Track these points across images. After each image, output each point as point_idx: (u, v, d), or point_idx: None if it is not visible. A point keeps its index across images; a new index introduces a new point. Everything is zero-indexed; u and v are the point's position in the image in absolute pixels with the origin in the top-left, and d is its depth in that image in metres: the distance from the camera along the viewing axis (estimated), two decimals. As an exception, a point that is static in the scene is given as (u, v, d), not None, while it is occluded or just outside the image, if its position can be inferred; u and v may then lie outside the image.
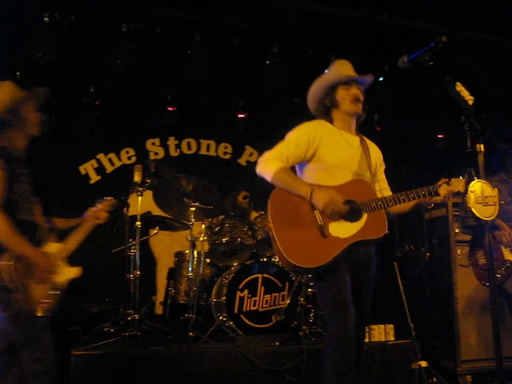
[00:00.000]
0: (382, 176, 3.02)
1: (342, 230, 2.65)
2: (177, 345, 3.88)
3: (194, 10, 4.98)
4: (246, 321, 4.24)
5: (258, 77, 5.44)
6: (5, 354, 2.65)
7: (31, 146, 2.91)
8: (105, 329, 4.25)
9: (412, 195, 2.72)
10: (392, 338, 4.32)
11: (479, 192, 2.47)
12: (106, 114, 6.02)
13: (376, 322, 4.32)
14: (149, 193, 4.63)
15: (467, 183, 2.57)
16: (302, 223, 2.67)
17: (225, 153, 6.78)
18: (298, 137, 2.80)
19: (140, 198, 4.41)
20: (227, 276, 4.49)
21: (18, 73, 5.31)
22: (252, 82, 5.75)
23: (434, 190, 2.73)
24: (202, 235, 4.68)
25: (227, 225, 4.87)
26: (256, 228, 4.83)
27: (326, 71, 3.05)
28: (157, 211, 4.92)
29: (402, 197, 2.72)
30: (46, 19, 4.80)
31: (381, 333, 4.31)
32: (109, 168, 6.35)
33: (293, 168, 2.87)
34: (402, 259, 5.04)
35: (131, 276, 4.35)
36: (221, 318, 4.31)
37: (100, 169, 6.31)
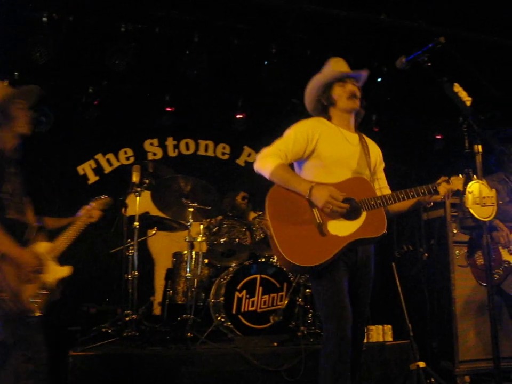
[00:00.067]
0: (381, 175, 3.00)
1: (341, 228, 2.62)
2: (176, 346, 3.87)
3: (193, 10, 4.99)
4: (244, 321, 4.24)
5: (257, 77, 5.45)
6: None
7: (29, 146, 2.90)
8: (103, 329, 4.23)
9: (412, 193, 2.70)
10: (390, 339, 4.32)
11: (477, 193, 2.47)
12: (105, 114, 6.01)
13: (374, 323, 4.31)
14: (147, 194, 4.63)
15: (465, 184, 2.56)
16: (300, 221, 2.63)
17: (223, 153, 6.78)
18: (297, 134, 2.78)
19: (138, 198, 4.40)
20: (225, 277, 4.48)
21: (16, 73, 5.31)
22: (251, 82, 5.76)
23: (434, 188, 2.72)
24: (201, 235, 4.68)
25: (225, 225, 4.88)
26: (254, 229, 4.84)
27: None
28: (155, 211, 4.91)
29: (402, 195, 2.70)
30: (44, 19, 4.80)
31: (379, 333, 4.31)
32: (107, 169, 6.34)
33: (291, 166, 2.85)
34: (401, 259, 5.02)
35: (129, 276, 4.35)
36: (219, 318, 4.30)
37: (98, 170, 6.30)
